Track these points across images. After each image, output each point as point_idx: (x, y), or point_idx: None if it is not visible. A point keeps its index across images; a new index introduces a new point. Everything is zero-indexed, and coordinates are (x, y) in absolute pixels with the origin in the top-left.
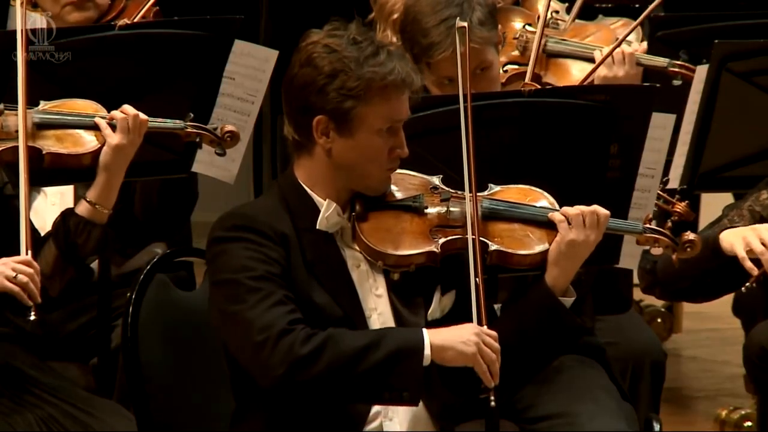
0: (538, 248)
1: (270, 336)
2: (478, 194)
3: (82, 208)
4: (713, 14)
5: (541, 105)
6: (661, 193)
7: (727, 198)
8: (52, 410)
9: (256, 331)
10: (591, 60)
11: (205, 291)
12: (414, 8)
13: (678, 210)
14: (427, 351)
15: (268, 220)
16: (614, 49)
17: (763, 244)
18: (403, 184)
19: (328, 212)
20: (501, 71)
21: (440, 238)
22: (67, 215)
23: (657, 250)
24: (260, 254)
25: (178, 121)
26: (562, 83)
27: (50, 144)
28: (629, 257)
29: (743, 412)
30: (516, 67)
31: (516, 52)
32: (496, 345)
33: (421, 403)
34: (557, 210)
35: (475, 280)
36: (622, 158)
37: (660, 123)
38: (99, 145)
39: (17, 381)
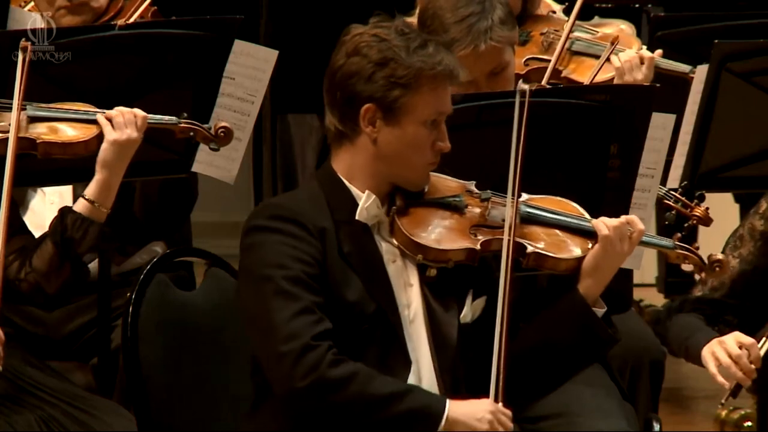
0: (575, 254)
1: (294, 348)
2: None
3: (81, 206)
4: (713, 14)
5: (541, 105)
6: (679, 196)
7: (727, 198)
8: (52, 410)
9: (281, 340)
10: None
11: (206, 291)
12: (435, 2)
13: (697, 214)
14: (443, 422)
15: (308, 213)
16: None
17: (730, 356)
18: (441, 185)
19: (368, 203)
20: (522, 64)
21: (480, 237)
22: (65, 212)
23: (687, 267)
24: (298, 251)
25: (172, 117)
26: (580, 79)
27: (44, 135)
28: (629, 257)
29: (743, 412)
30: (538, 60)
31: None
32: (510, 424)
33: None
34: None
35: (498, 351)
36: (622, 158)
37: (660, 123)
38: (92, 135)
39: (17, 381)
